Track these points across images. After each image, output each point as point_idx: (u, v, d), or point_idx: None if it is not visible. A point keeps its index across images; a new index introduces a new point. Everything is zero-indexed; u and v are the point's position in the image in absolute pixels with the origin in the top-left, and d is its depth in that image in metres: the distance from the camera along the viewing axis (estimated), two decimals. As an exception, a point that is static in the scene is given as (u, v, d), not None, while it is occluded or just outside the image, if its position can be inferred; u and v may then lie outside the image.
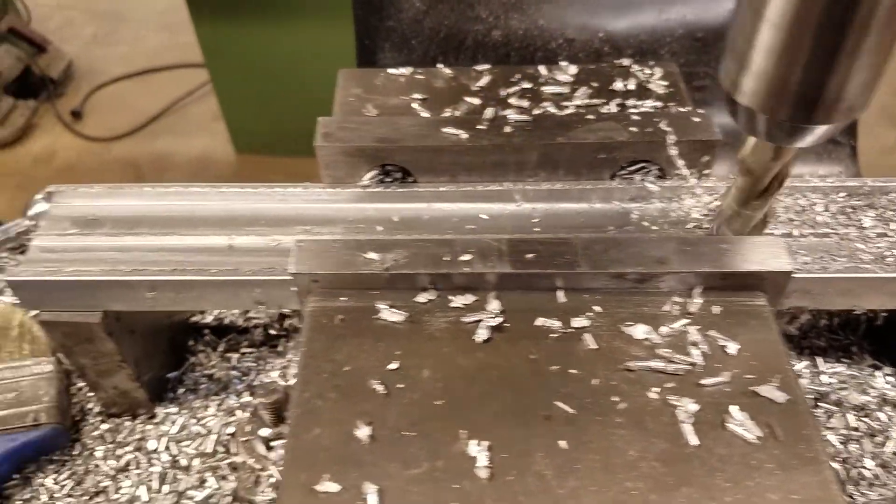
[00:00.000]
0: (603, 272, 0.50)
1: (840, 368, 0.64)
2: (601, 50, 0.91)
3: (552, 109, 0.63)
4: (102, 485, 0.67)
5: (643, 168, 0.60)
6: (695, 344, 0.48)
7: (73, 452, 0.69)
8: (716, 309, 0.50)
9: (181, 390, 0.72)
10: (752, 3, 0.42)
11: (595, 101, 0.63)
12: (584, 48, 0.91)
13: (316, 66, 2.04)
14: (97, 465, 0.68)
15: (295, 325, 0.72)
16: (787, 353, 0.48)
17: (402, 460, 0.44)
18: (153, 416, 0.71)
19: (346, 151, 0.59)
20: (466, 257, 0.51)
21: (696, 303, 0.50)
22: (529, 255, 0.51)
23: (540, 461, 0.44)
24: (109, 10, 2.82)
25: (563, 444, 0.44)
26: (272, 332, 0.76)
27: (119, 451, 0.69)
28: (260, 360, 0.72)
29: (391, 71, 0.68)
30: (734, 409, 0.45)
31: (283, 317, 0.76)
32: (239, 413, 0.68)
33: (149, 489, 0.66)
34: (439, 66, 0.68)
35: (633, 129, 0.58)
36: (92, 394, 0.72)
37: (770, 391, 0.46)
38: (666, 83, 0.65)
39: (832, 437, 0.61)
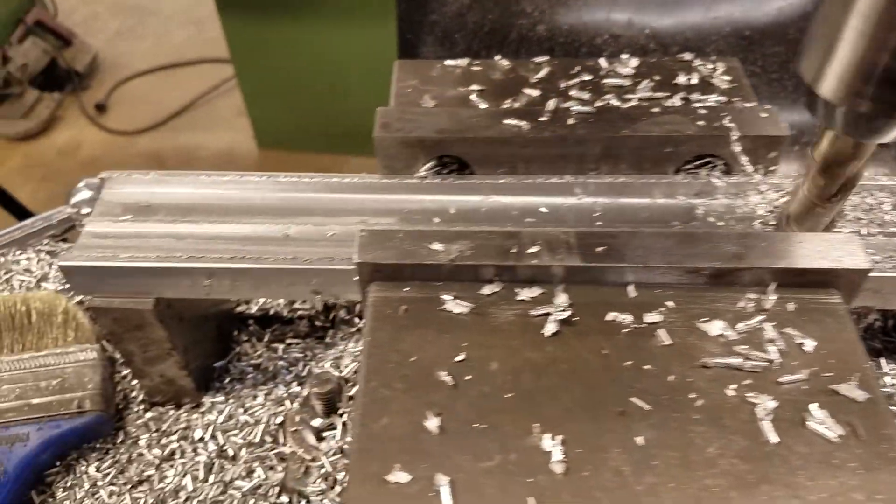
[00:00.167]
0: (678, 267, 0.49)
1: (905, 371, 0.62)
2: (647, 47, 0.90)
3: (615, 102, 0.62)
4: (146, 474, 0.66)
5: (708, 163, 0.58)
6: (771, 341, 0.47)
7: (117, 441, 0.69)
8: (790, 306, 0.49)
9: (227, 379, 0.72)
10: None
11: (658, 94, 0.63)
12: (630, 44, 0.90)
13: (343, 64, 2.05)
14: (141, 454, 0.68)
15: (342, 317, 0.72)
16: (864, 352, 0.47)
17: (473, 453, 0.43)
18: (198, 406, 0.71)
19: (406, 142, 0.59)
20: (534, 249, 0.50)
21: (772, 299, 0.49)
22: (600, 249, 0.50)
23: (616, 457, 0.43)
24: (135, 4, 2.84)
25: (639, 440, 0.43)
26: (317, 323, 0.75)
27: (164, 440, 0.69)
28: (307, 351, 0.71)
29: (447, 62, 0.67)
30: (814, 407, 0.44)
31: (328, 309, 0.75)
32: (288, 403, 0.67)
33: (194, 479, 0.65)
34: (496, 57, 0.67)
35: (700, 122, 0.57)
36: (136, 382, 0.72)
37: (850, 389, 0.45)
38: (729, 78, 0.64)
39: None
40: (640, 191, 0.58)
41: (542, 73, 0.65)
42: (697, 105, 0.61)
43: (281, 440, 0.66)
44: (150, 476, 0.66)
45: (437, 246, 0.51)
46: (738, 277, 0.50)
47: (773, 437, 0.43)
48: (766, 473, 0.42)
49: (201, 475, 0.65)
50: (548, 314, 0.49)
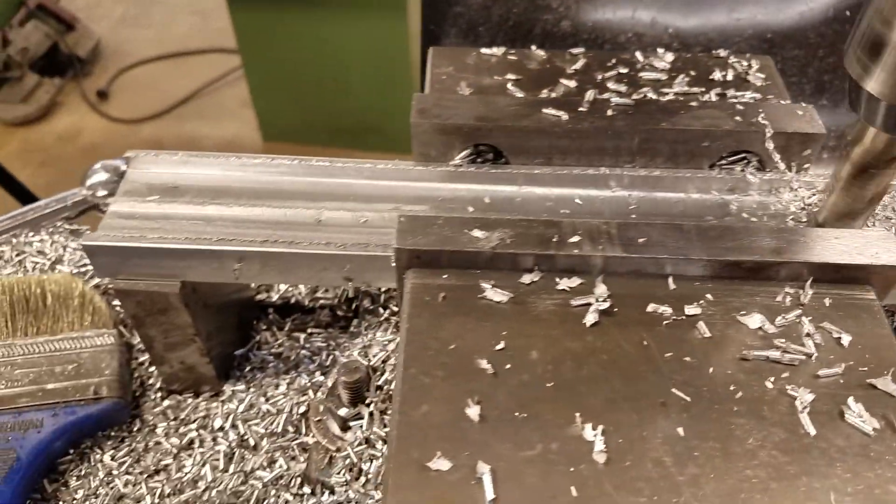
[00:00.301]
0: (719, 260, 0.49)
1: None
2: (670, 45, 0.90)
3: (651, 95, 0.62)
4: (163, 463, 0.65)
5: (743, 159, 0.59)
6: (809, 335, 0.48)
7: (133, 429, 0.68)
8: (827, 301, 0.50)
9: (247, 368, 0.71)
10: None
11: (694, 89, 0.63)
12: (653, 43, 0.90)
13: (351, 57, 2.04)
14: (158, 443, 0.67)
15: (366, 306, 0.71)
16: (900, 348, 0.48)
17: (514, 441, 0.43)
18: (218, 394, 0.70)
19: (443, 129, 0.58)
20: (575, 239, 0.50)
21: (809, 294, 0.49)
22: (641, 240, 0.50)
23: (657, 447, 0.43)
24: (140, -9, 2.82)
25: (680, 430, 0.43)
26: (339, 313, 0.75)
27: (182, 429, 0.68)
28: (330, 341, 0.71)
29: (483, 50, 0.67)
30: (850, 401, 0.45)
31: (350, 298, 0.75)
32: (311, 393, 0.67)
33: (214, 468, 0.64)
34: (532, 47, 0.67)
35: (737, 118, 0.58)
36: (153, 369, 0.71)
37: (885, 384, 0.45)
38: (763, 75, 0.65)
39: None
40: (675, 185, 0.58)
41: (579, 65, 0.66)
42: (734, 101, 0.61)
43: (303, 430, 0.66)
44: (167, 465, 0.65)
45: (477, 233, 0.50)
46: (776, 272, 0.50)
47: (812, 430, 0.44)
48: (806, 465, 0.42)
49: (221, 465, 0.64)
50: (588, 304, 0.49)
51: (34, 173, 2.27)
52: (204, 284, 0.62)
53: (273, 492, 0.62)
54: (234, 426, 0.66)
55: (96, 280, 0.76)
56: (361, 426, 0.58)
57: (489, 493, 0.40)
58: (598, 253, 0.49)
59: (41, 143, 2.38)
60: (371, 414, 0.57)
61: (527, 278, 0.50)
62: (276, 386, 0.68)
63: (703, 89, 0.63)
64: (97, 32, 2.61)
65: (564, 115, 0.58)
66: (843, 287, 0.50)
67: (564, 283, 0.50)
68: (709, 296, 0.50)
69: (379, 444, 0.55)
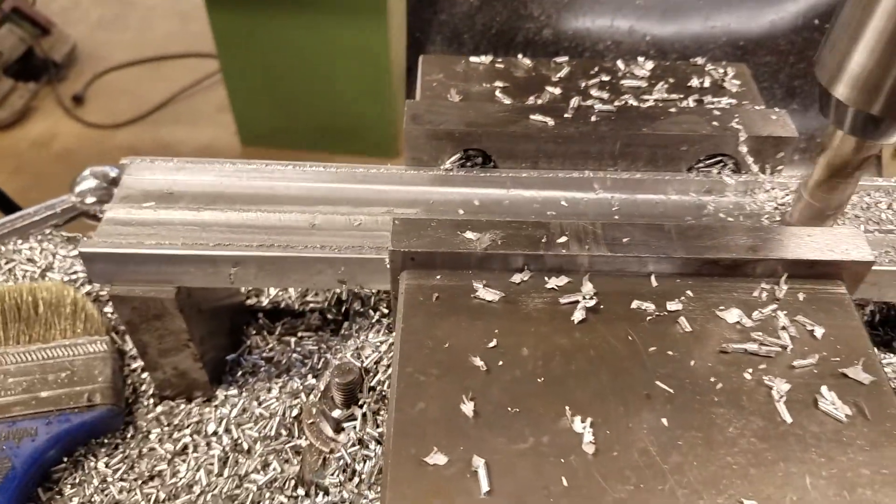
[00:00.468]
0: (698, 258, 0.52)
1: (894, 359, 0.66)
2: (647, 53, 0.93)
3: (633, 102, 0.64)
4: (158, 468, 0.66)
5: (720, 162, 0.62)
6: (784, 328, 0.50)
7: (127, 435, 0.68)
8: (801, 295, 0.52)
9: (239, 373, 0.72)
10: (861, 2, 0.44)
11: (673, 95, 0.65)
12: (631, 50, 0.93)
13: (330, 61, 2.05)
14: (152, 449, 0.67)
15: (356, 309, 0.72)
16: (868, 338, 0.51)
17: (507, 435, 0.45)
18: (210, 399, 0.70)
19: (435, 134, 0.60)
20: (563, 239, 0.52)
21: (784, 289, 0.52)
22: (625, 240, 0.52)
23: (643, 437, 0.45)
24: (116, -6, 2.79)
25: (664, 421, 0.45)
26: (329, 316, 0.76)
27: (176, 435, 0.68)
28: (321, 344, 0.72)
29: (472, 59, 0.69)
30: (824, 390, 0.47)
31: (340, 302, 0.76)
32: (303, 396, 0.68)
33: (208, 473, 0.65)
34: (519, 56, 0.69)
35: (715, 122, 0.60)
36: (146, 375, 0.71)
37: (856, 373, 0.48)
38: (738, 82, 0.68)
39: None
40: (655, 187, 0.61)
41: (563, 73, 0.68)
42: (710, 107, 0.64)
43: (296, 433, 0.66)
44: (161, 471, 0.65)
45: (469, 235, 0.52)
46: (752, 268, 0.53)
47: (788, 418, 0.46)
48: (782, 451, 0.44)
49: (215, 469, 0.65)
50: (576, 302, 0.51)
51: (7, 179, 2.23)
52: (198, 290, 0.62)
53: (268, 495, 0.63)
54: (227, 431, 0.67)
55: (87, 287, 0.76)
56: (354, 427, 0.59)
57: (484, 486, 0.42)
58: (584, 252, 0.52)
59: (15, 149, 2.34)
60: (364, 415, 0.58)
61: (517, 278, 0.52)
62: (269, 390, 0.69)
63: (682, 96, 0.66)
64: (73, 36, 2.58)
65: (550, 121, 0.61)
66: (816, 282, 0.53)
67: (553, 282, 0.52)
68: (689, 292, 0.52)
69: (372, 445, 0.56)
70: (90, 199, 0.68)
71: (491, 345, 0.49)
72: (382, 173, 0.62)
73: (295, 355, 0.72)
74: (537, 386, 0.47)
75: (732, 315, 0.50)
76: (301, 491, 0.62)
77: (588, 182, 0.61)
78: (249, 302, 0.77)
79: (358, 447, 0.58)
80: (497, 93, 0.66)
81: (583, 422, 0.45)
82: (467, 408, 0.46)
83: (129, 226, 0.59)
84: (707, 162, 0.62)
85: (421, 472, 0.43)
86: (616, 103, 0.64)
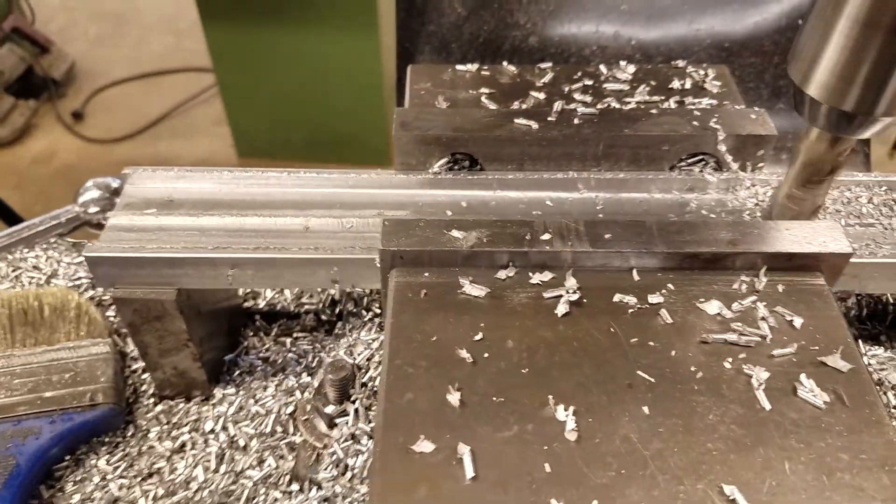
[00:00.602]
0: (679, 252, 0.53)
1: (878, 351, 0.68)
2: (632, 57, 0.96)
3: (615, 104, 0.66)
4: (157, 466, 0.67)
5: (701, 160, 0.63)
6: (764, 319, 0.52)
7: (127, 434, 0.69)
8: (780, 287, 0.54)
9: (237, 372, 0.73)
10: (830, 2, 0.46)
11: (654, 97, 0.67)
12: (616, 55, 0.95)
13: (324, 73, 2.08)
14: (152, 447, 0.68)
15: (350, 309, 0.74)
16: (846, 328, 0.52)
17: (492, 424, 0.46)
18: (209, 398, 0.72)
19: (423, 140, 0.62)
20: (546, 237, 0.54)
21: (763, 281, 0.54)
22: (607, 235, 0.54)
23: (625, 425, 0.46)
24: (114, 11, 2.83)
25: (645, 409, 0.47)
26: (324, 317, 0.77)
27: (175, 433, 0.69)
28: (316, 344, 0.74)
29: (458, 67, 0.71)
30: (803, 377, 0.49)
31: (334, 303, 0.77)
32: (298, 394, 0.69)
33: (205, 469, 0.66)
34: (504, 63, 0.71)
35: (695, 122, 0.62)
36: (146, 376, 0.73)
37: (835, 361, 0.49)
38: (719, 83, 0.70)
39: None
40: (638, 186, 0.63)
41: (547, 78, 0.70)
42: (691, 107, 0.66)
43: (291, 430, 0.68)
44: (160, 468, 0.67)
45: (456, 234, 0.54)
46: (732, 261, 0.54)
47: (767, 405, 0.47)
48: (762, 437, 0.46)
49: (212, 466, 0.66)
50: (559, 296, 0.52)
51: (9, 195, 2.25)
52: (197, 292, 0.64)
53: (263, 490, 0.64)
54: (224, 428, 0.68)
55: (91, 292, 0.78)
56: (347, 422, 0.61)
57: (469, 472, 0.43)
58: (567, 248, 0.53)
59: (16, 166, 2.37)
60: (356, 410, 0.59)
61: (502, 274, 0.54)
62: (265, 388, 0.71)
63: (663, 97, 0.68)
64: (72, 54, 2.61)
65: (535, 125, 0.63)
66: (795, 274, 0.55)
67: (537, 278, 0.54)
68: (670, 285, 0.53)
69: (364, 440, 0.58)
70: (93, 209, 0.70)
71: (477, 338, 0.51)
72: (373, 178, 0.64)
73: (290, 355, 0.73)
74: (522, 377, 0.49)
75: (713, 307, 0.52)
76: (295, 486, 0.63)
77: (572, 182, 0.63)
78: (247, 304, 0.79)
79: (350, 442, 0.59)
80: (483, 99, 0.68)
81: (566, 410, 0.46)
82: (454, 398, 0.47)
83: (132, 231, 0.61)
84: (689, 161, 0.64)
85: (408, 459, 0.44)
86: (599, 106, 0.66)
